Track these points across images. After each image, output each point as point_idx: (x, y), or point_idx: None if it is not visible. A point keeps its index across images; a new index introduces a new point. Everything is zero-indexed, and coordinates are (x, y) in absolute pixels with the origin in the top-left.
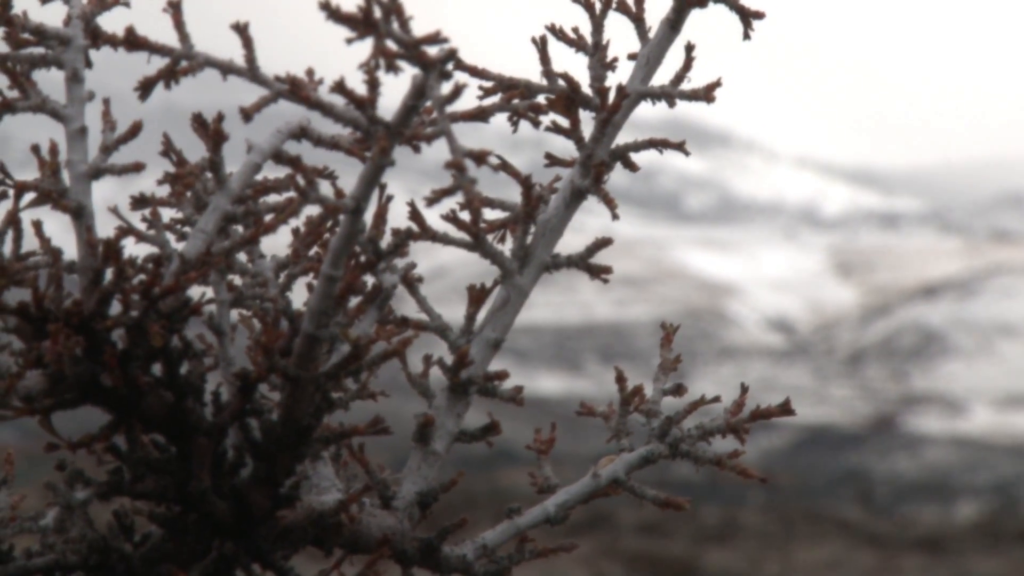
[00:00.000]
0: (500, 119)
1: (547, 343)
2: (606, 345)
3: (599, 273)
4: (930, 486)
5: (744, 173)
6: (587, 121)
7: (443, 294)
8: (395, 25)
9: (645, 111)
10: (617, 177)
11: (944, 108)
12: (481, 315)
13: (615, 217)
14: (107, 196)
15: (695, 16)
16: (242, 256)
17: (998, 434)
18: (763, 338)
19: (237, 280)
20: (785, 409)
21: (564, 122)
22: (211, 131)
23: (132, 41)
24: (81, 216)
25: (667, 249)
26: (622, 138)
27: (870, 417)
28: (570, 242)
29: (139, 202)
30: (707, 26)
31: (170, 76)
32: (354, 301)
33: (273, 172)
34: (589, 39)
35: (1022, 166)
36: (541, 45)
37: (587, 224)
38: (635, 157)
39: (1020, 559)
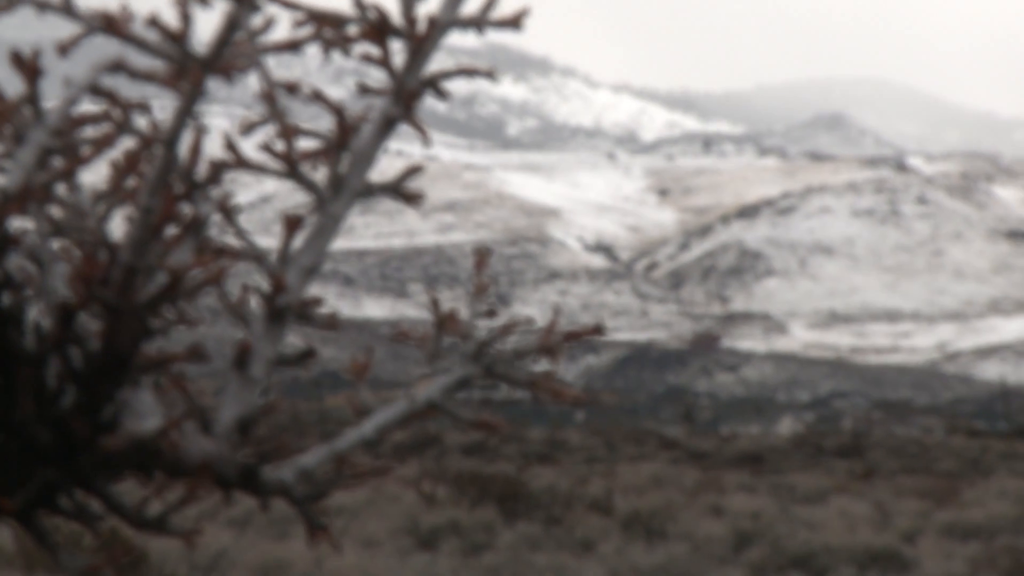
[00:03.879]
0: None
1: (372, 269)
2: (430, 270)
3: (411, 199)
4: (751, 403)
5: (564, 99)
6: (399, 51)
7: (270, 222)
8: None
9: (465, 40)
10: (438, 105)
11: (759, 32)
12: (298, 243)
13: (427, 143)
14: None
15: None
16: (63, 189)
17: (816, 351)
18: (585, 260)
19: (57, 212)
20: (596, 329)
21: (376, 52)
22: (27, 65)
23: None
24: None
25: (489, 175)
26: (441, 64)
27: (691, 336)
28: (394, 169)
29: None
30: None
31: None
32: (171, 231)
33: (93, 107)
34: None
35: (837, 87)
36: None
37: (410, 152)
38: (452, 85)
39: (839, 472)
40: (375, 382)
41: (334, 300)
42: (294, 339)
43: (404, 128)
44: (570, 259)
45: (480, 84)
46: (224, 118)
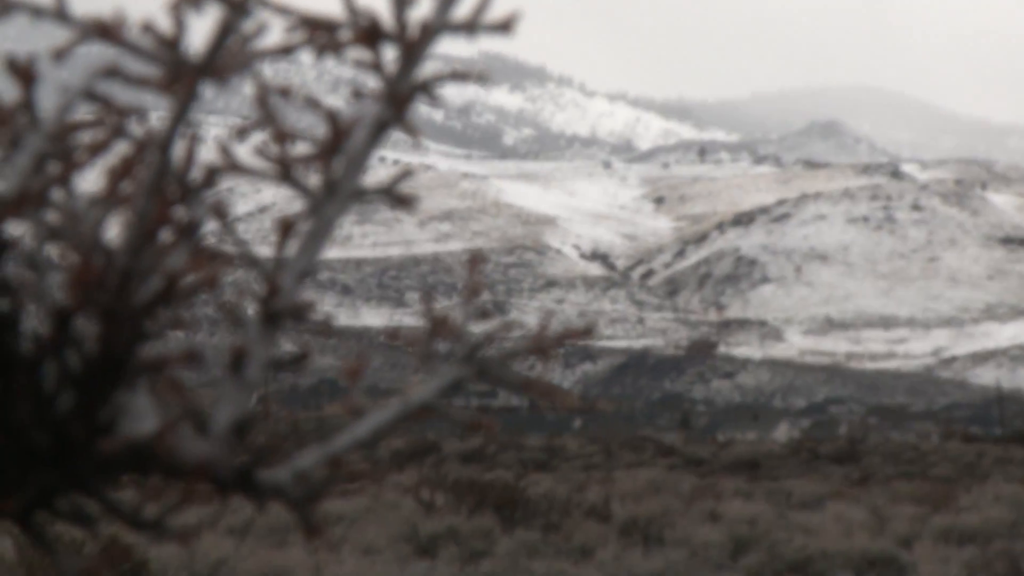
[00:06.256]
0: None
1: (370, 278)
2: (428, 279)
3: (404, 202)
4: (747, 409)
5: (560, 108)
6: (392, 55)
7: (268, 232)
8: None
9: (460, 49)
10: (435, 115)
11: (753, 41)
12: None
13: (419, 145)
14: None
15: None
16: (59, 194)
17: (812, 358)
18: (582, 269)
19: (52, 217)
20: (588, 331)
21: (368, 56)
22: (22, 71)
23: None
24: None
25: (486, 184)
26: (435, 73)
27: (687, 343)
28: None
29: None
30: None
31: None
32: (166, 235)
33: (88, 112)
34: None
35: (832, 95)
36: None
37: (408, 163)
38: (448, 95)
39: (835, 478)
40: (373, 390)
41: (332, 309)
42: (291, 347)
43: (402, 140)
44: (567, 267)
45: (476, 94)
46: (221, 128)
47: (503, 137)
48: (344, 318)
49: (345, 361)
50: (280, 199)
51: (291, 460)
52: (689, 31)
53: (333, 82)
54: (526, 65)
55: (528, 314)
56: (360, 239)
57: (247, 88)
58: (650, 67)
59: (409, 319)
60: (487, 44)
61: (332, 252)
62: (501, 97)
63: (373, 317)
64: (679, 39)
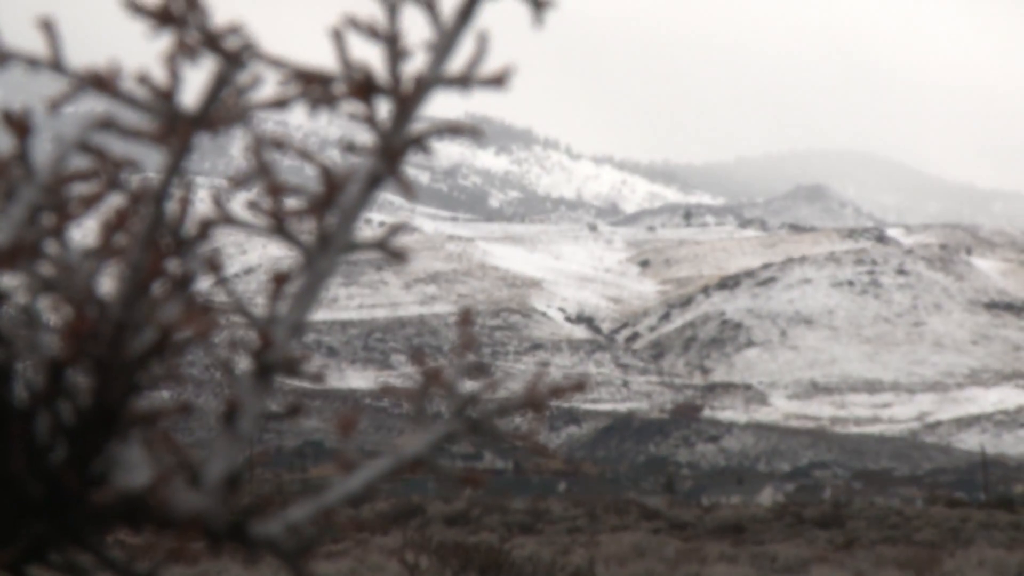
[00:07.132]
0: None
1: (356, 340)
2: (413, 341)
3: (396, 256)
4: (732, 473)
5: (546, 171)
6: (385, 109)
7: (254, 293)
8: (194, 17)
9: (448, 111)
10: (421, 176)
11: (739, 105)
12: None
13: (410, 197)
14: None
15: (492, 14)
16: (53, 246)
17: (797, 422)
18: (567, 331)
19: (46, 269)
20: (579, 385)
21: (362, 110)
22: (17, 123)
23: None
24: None
25: (472, 246)
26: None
27: (672, 407)
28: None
29: None
30: (505, 26)
31: None
32: (159, 287)
33: (83, 164)
34: (385, 28)
35: (817, 159)
36: (337, 35)
37: (394, 223)
38: (434, 157)
39: (820, 542)
40: (359, 452)
41: (318, 371)
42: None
43: (388, 202)
44: (552, 330)
45: (463, 156)
46: (208, 189)
47: (489, 199)
48: (330, 380)
49: (337, 415)
50: (267, 260)
51: (284, 513)
52: (675, 95)
53: (321, 143)
54: (513, 128)
55: (513, 377)
56: (346, 301)
57: (235, 149)
58: (636, 130)
59: (395, 381)
60: (474, 106)
61: (318, 314)
62: (487, 159)
63: (359, 379)
64: (665, 102)
